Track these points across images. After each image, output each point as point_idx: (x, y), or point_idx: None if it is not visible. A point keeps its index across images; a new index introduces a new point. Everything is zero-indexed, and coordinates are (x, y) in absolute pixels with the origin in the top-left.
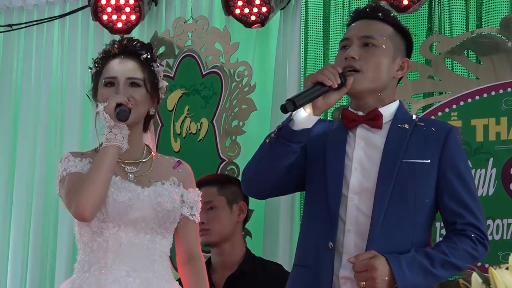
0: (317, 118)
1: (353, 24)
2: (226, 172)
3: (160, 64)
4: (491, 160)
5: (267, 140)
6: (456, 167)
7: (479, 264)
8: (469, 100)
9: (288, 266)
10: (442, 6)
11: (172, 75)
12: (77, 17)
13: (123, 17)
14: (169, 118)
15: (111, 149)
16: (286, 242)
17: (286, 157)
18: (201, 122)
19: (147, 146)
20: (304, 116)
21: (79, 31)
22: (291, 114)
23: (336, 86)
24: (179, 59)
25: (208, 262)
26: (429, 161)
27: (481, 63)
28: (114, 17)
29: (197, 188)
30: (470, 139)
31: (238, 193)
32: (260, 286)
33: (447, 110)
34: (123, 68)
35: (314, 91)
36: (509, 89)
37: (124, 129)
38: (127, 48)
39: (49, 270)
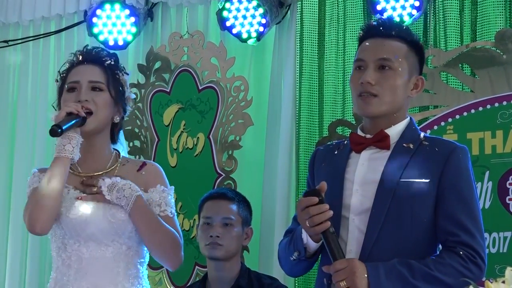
0: (320, 243)
1: (367, 44)
2: (223, 187)
3: (126, 73)
4: (487, 173)
5: (291, 258)
6: (456, 186)
7: None
8: (465, 113)
9: (283, 279)
10: (437, 19)
11: (168, 90)
12: (73, 32)
13: (119, 32)
14: (165, 133)
15: (59, 160)
16: None
17: (309, 263)
18: (198, 137)
19: (118, 152)
20: (314, 245)
21: (75, 46)
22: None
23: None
24: (175, 74)
25: (205, 277)
26: (428, 180)
27: (476, 76)
28: (110, 32)
29: (162, 184)
30: None
31: (249, 218)
32: None
33: (442, 123)
34: (86, 72)
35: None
36: (504, 103)
37: (74, 138)
38: (91, 55)
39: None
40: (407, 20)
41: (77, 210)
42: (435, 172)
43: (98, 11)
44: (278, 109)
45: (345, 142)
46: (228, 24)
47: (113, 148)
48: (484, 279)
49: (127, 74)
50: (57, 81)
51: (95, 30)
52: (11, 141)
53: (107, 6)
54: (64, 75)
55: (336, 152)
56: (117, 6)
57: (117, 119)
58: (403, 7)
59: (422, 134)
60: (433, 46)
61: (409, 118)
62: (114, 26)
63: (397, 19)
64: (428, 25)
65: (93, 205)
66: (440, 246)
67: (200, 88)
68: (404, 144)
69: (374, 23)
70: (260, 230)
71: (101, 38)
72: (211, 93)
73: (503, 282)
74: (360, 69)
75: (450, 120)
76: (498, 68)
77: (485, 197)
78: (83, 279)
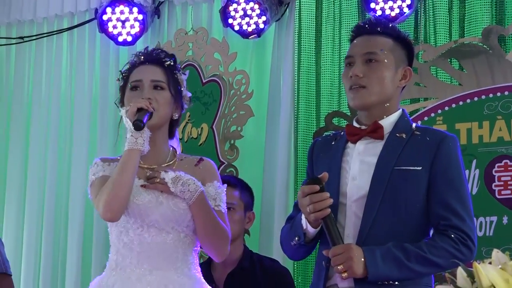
0: (318, 229)
1: (355, 41)
2: (226, 174)
3: (183, 73)
4: (474, 161)
5: (292, 243)
6: (447, 173)
7: None
8: (453, 105)
9: (282, 261)
10: (427, 17)
11: None
12: (84, 29)
13: (128, 29)
14: None
15: (131, 152)
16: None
17: (309, 247)
18: (202, 128)
19: (174, 149)
20: (313, 231)
21: (86, 42)
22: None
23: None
24: None
25: (209, 259)
26: (420, 168)
27: (464, 70)
28: (119, 29)
29: (218, 182)
30: None
31: (251, 203)
32: (258, 281)
33: (432, 115)
34: (148, 72)
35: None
36: (490, 95)
37: (144, 132)
38: (152, 56)
39: (61, 267)
40: (398, 17)
41: (142, 198)
42: (427, 160)
43: (108, 9)
44: (277, 101)
45: (342, 134)
46: (230, 21)
47: (170, 145)
48: (471, 260)
49: (185, 74)
50: (118, 80)
51: (105, 27)
52: (26, 131)
53: (117, 4)
54: (126, 74)
55: (333, 143)
56: (125, 4)
57: (175, 116)
58: (395, 6)
59: (414, 125)
60: (424, 42)
61: (401, 109)
62: (123, 23)
63: (390, 15)
64: (418, 22)
65: (157, 194)
66: (432, 230)
67: (204, 81)
68: (397, 134)
69: (361, 23)
70: (260, 215)
71: (110, 34)
72: (214, 86)
73: (490, 263)
74: (350, 65)
75: (439, 111)
76: (484, 62)
77: (472, 183)
78: (144, 262)
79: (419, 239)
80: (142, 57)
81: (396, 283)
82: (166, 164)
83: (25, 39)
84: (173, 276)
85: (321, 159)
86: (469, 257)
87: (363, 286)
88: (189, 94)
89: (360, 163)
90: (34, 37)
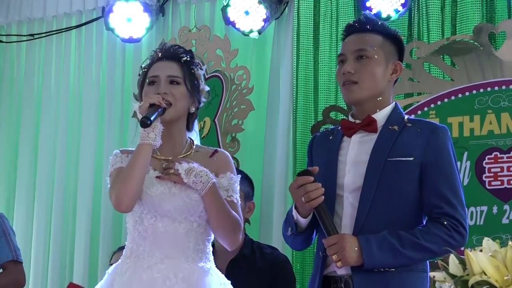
0: (309, 219)
1: (346, 40)
2: None
3: (200, 68)
4: (465, 153)
5: (288, 233)
6: (438, 163)
7: None
8: (446, 100)
9: (282, 249)
10: (420, 15)
11: None
12: (92, 27)
13: (133, 26)
14: None
15: (143, 147)
16: (279, 228)
17: (305, 237)
18: (204, 121)
19: (191, 141)
20: (303, 221)
21: (94, 39)
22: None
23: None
24: None
25: (212, 246)
26: (413, 158)
27: (456, 66)
28: (125, 27)
29: (232, 173)
30: None
31: (250, 192)
32: (258, 267)
33: (425, 109)
34: (165, 67)
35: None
36: (481, 90)
37: (156, 127)
38: (169, 52)
39: (69, 255)
40: (393, 15)
41: (156, 189)
42: (419, 151)
43: (115, 8)
44: (277, 96)
45: (339, 128)
46: (232, 19)
47: (188, 137)
48: (463, 248)
49: (202, 69)
50: (139, 75)
51: (112, 24)
52: (36, 124)
53: (123, 3)
54: (146, 70)
55: (330, 138)
56: (131, 3)
57: (192, 109)
58: (390, 5)
59: (406, 117)
60: (417, 39)
61: (394, 103)
62: (129, 21)
63: (384, 15)
64: (412, 20)
65: (171, 185)
66: (426, 218)
67: (206, 77)
68: (389, 127)
69: (352, 22)
70: (260, 205)
71: (117, 32)
72: (216, 82)
73: (481, 250)
74: (342, 63)
75: (432, 105)
76: (475, 59)
77: (463, 175)
78: (157, 250)
79: (413, 226)
80: (160, 53)
81: (392, 269)
82: (182, 156)
83: (35, 36)
84: (183, 264)
85: (320, 153)
86: (461, 243)
87: (360, 273)
88: (207, 88)
89: (355, 156)
90: (44, 35)
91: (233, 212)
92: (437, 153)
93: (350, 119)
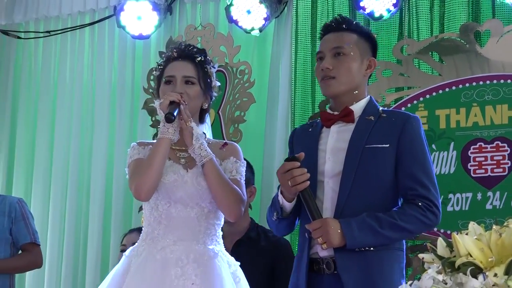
0: (293, 203)
1: (323, 38)
2: None
3: (213, 67)
4: (452, 144)
5: (273, 218)
6: (412, 149)
7: (442, 230)
8: (434, 93)
9: None
10: (410, 14)
11: None
12: (104, 24)
13: (143, 24)
14: None
15: (162, 141)
16: None
17: (289, 221)
18: (209, 113)
19: (204, 134)
20: (288, 205)
21: (106, 36)
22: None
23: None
24: None
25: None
26: (388, 145)
27: (444, 62)
28: (136, 24)
29: (236, 158)
30: (435, 126)
31: (251, 178)
32: (262, 250)
33: (415, 102)
34: (180, 68)
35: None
36: (467, 84)
37: (176, 123)
38: (184, 52)
39: (82, 241)
40: (385, 15)
41: (170, 176)
42: (394, 138)
43: (126, 6)
44: (276, 89)
45: (318, 121)
46: (235, 17)
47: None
48: (449, 232)
49: (214, 67)
50: (155, 70)
51: (123, 22)
52: (52, 117)
53: (133, 2)
54: (162, 67)
55: (310, 130)
56: (141, 2)
57: (205, 105)
58: (382, 4)
59: (380, 108)
60: (408, 37)
61: (369, 96)
62: (139, 19)
63: (376, 14)
64: (403, 19)
65: (183, 173)
66: (401, 200)
67: None
68: (366, 117)
69: (328, 22)
70: (260, 190)
71: (128, 29)
72: (220, 76)
73: (467, 234)
74: (321, 60)
75: (421, 99)
76: (462, 55)
77: (450, 163)
78: (170, 234)
79: (390, 208)
80: (176, 53)
81: (372, 249)
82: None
83: (52, 33)
84: (194, 246)
85: (300, 144)
86: (435, 222)
87: (342, 253)
88: (218, 84)
89: (334, 144)
90: (60, 32)
91: (235, 186)
92: (410, 140)
93: (329, 111)
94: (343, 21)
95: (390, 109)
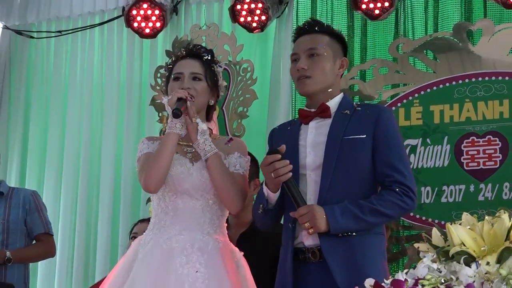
0: (278, 194)
1: (297, 40)
2: None
3: (220, 66)
4: (446, 138)
5: (259, 211)
6: (387, 138)
7: (436, 221)
8: (428, 90)
9: None
10: (406, 14)
11: None
12: (113, 24)
13: (150, 24)
14: None
15: (170, 136)
16: None
17: (274, 213)
18: None
19: (210, 130)
20: (273, 195)
21: (115, 36)
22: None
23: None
24: None
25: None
26: (365, 136)
27: (438, 60)
28: (143, 24)
29: (240, 154)
30: (429, 121)
31: (255, 171)
32: (266, 240)
33: (410, 98)
34: (188, 65)
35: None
36: (460, 81)
37: (182, 118)
38: (192, 51)
39: (93, 231)
40: (382, 14)
41: (176, 169)
42: (369, 129)
43: (134, 7)
44: (278, 86)
45: (296, 120)
46: (238, 17)
47: (208, 127)
48: (443, 222)
49: (221, 67)
50: (165, 70)
51: (131, 22)
52: (63, 114)
53: (141, 3)
54: (171, 66)
55: (289, 128)
56: (148, 3)
57: (211, 102)
58: (378, 5)
59: (354, 103)
60: (403, 36)
61: (342, 93)
62: (147, 20)
63: (374, 13)
64: (398, 18)
65: (189, 165)
66: (380, 187)
67: None
68: (342, 112)
69: (301, 25)
70: (262, 184)
71: (136, 29)
72: (224, 74)
73: (460, 224)
74: (296, 61)
75: (416, 95)
76: (455, 53)
77: (444, 157)
78: (176, 224)
79: (369, 195)
80: (184, 52)
81: (354, 234)
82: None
83: (63, 33)
84: (199, 236)
85: (280, 141)
86: (412, 206)
87: (327, 240)
88: (225, 83)
89: (314, 138)
90: (71, 31)
91: (236, 180)
92: (385, 130)
93: (306, 109)
94: (315, 24)
95: (363, 103)
